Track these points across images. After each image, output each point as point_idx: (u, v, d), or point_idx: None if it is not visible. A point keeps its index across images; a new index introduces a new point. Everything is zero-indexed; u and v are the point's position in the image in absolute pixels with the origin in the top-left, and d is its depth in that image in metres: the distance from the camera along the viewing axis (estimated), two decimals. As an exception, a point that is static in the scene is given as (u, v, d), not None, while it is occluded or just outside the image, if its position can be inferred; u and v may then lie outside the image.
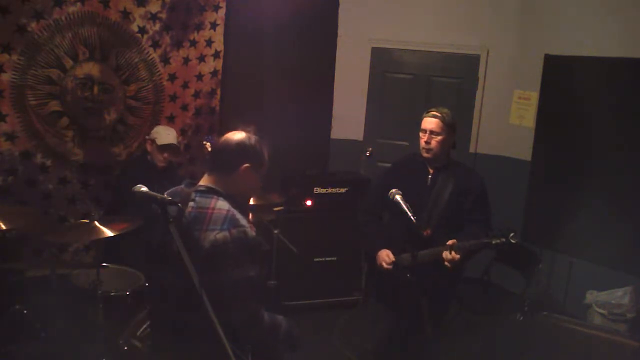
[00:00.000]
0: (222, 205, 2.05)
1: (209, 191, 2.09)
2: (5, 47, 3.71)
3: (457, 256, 2.84)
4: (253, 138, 2.18)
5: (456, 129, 3.16)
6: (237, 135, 2.17)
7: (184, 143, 4.54)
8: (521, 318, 3.78)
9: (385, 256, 3.09)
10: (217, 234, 1.98)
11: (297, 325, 2.36)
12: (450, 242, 2.86)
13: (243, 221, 2.03)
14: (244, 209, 2.15)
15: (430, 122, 3.05)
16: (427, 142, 3.05)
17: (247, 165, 2.12)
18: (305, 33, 5.01)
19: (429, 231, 2.98)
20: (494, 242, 2.80)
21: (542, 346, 3.28)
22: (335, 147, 5.45)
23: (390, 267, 3.06)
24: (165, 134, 3.87)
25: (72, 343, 3.06)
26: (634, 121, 3.75)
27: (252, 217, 2.77)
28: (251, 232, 2.04)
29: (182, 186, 2.17)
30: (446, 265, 2.88)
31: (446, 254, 2.86)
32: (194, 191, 2.10)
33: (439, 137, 3.03)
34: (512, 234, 2.77)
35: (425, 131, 3.06)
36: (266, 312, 2.14)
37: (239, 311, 2.02)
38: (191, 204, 2.06)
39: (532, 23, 4.80)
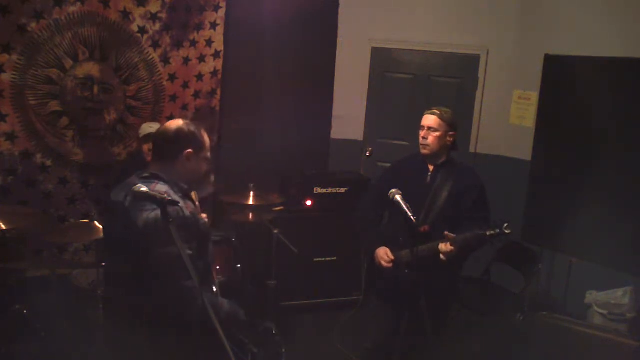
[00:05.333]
0: (161, 188, 2.13)
1: (151, 177, 2.19)
2: (5, 47, 3.71)
3: (452, 248, 2.86)
4: (190, 124, 2.27)
5: (457, 128, 3.19)
6: (175, 124, 2.26)
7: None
8: (521, 318, 3.78)
9: (384, 254, 3.11)
10: (149, 214, 2.05)
11: (243, 311, 2.40)
12: (446, 235, 2.89)
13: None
14: (188, 194, 2.27)
15: (428, 119, 3.14)
16: (424, 138, 3.12)
17: (189, 151, 2.22)
18: (305, 33, 5.01)
19: (426, 227, 3.00)
20: (488, 233, 2.81)
21: (542, 346, 3.28)
22: (335, 147, 5.45)
23: (390, 265, 3.08)
24: (146, 127, 3.90)
25: (72, 343, 3.06)
26: (634, 121, 3.75)
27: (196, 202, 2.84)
28: (186, 211, 2.11)
29: (134, 176, 2.25)
30: (441, 258, 2.90)
31: (441, 246, 2.89)
32: (138, 178, 2.19)
33: (437, 134, 3.10)
34: (505, 225, 2.78)
35: (423, 127, 3.14)
36: (208, 294, 2.16)
37: (170, 289, 2.06)
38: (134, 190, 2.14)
39: (532, 23, 4.80)
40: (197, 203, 2.78)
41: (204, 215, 2.85)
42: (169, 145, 2.23)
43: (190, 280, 2.07)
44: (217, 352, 1.91)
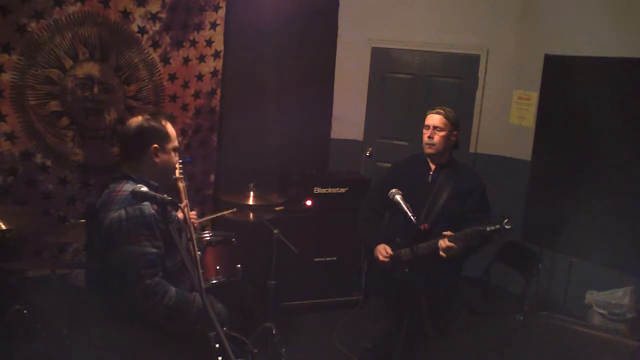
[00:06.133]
0: (128, 187, 2.15)
1: (121, 177, 2.22)
2: (5, 47, 3.71)
3: (451, 244, 2.86)
4: (151, 119, 2.26)
5: (459, 127, 3.20)
6: (135, 122, 2.26)
7: (184, 143, 4.54)
8: (521, 318, 3.78)
9: (383, 249, 3.11)
10: (113, 213, 2.09)
11: (219, 303, 2.44)
12: (445, 233, 2.89)
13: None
14: (159, 191, 2.25)
15: (433, 118, 3.14)
16: (430, 137, 3.12)
17: (154, 146, 2.23)
18: (305, 33, 5.01)
19: (426, 225, 3.00)
20: (488, 229, 2.80)
21: (542, 346, 3.27)
22: (335, 147, 5.46)
23: (387, 259, 3.08)
24: None
25: (72, 343, 3.06)
26: (634, 121, 3.75)
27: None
28: (149, 209, 2.11)
29: (108, 178, 2.28)
30: (442, 255, 2.89)
31: (441, 243, 2.89)
32: (111, 180, 2.23)
33: (442, 133, 3.11)
34: (506, 220, 2.77)
35: (428, 127, 3.14)
36: (178, 289, 2.18)
37: (134, 286, 2.09)
38: (105, 191, 2.19)
39: (532, 23, 4.80)
40: (184, 194, 2.79)
41: (192, 213, 2.86)
42: (133, 144, 2.25)
43: (154, 278, 2.10)
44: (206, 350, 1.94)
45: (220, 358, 2.21)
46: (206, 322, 2.25)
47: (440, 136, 3.11)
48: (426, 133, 3.14)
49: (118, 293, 2.09)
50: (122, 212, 2.09)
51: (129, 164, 2.25)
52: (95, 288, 2.25)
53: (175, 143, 2.33)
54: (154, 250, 2.11)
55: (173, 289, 2.16)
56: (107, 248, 2.10)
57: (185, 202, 2.80)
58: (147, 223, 2.10)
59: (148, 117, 2.27)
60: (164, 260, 2.16)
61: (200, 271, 2.70)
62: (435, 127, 3.12)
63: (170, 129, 2.31)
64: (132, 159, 2.25)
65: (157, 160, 2.25)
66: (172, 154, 2.31)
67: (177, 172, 2.76)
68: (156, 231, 2.13)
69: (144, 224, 2.09)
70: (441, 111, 3.14)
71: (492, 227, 2.80)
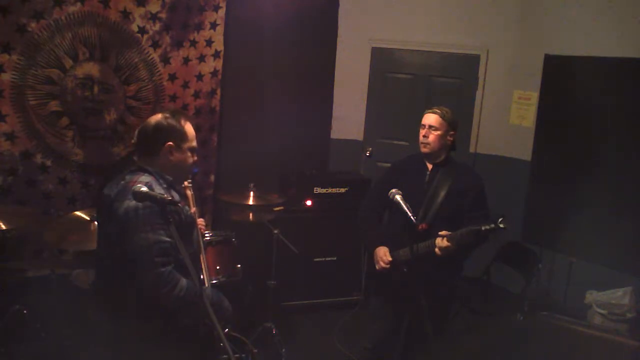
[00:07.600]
0: (144, 179, 2.19)
1: (137, 169, 2.26)
2: (5, 47, 3.71)
3: (448, 243, 2.86)
4: (170, 117, 2.30)
5: (457, 128, 3.20)
6: (154, 118, 2.31)
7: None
8: (521, 318, 3.78)
9: (383, 255, 3.11)
10: (129, 202, 2.12)
11: (226, 300, 2.44)
12: (442, 232, 2.90)
13: (159, 190, 2.18)
14: (173, 185, 2.31)
15: (429, 117, 3.15)
16: (425, 136, 3.13)
17: (169, 143, 2.26)
18: (305, 33, 5.01)
19: (424, 225, 3.00)
20: (483, 228, 2.80)
21: (542, 346, 3.28)
22: (335, 147, 5.46)
23: (387, 266, 3.08)
24: None
25: (72, 343, 3.07)
26: (634, 121, 3.75)
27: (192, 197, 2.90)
28: (165, 200, 2.14)
29: (125, 171, 2.32)
30: (437, 252, 2.90)
31: (438, 242, 2.89)
32: (127, 172, 2.27)
33: (437, 132, 3.11)
34: (500, 219, 2.77)
35: (424, 126, 3.16)
36: (189, 281, 2.19)
37: (147, 272, 2.11)
38: (122, 182, 2.22)
39: (532, 23, 4.80)
40: (192, 202, 2.81)
41: (200, 221, 2.88)
42: (149, 140, 2.28)
43: (167, 267, 2.12)
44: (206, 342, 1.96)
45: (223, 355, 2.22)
46: (218, 317, 2.29)
47: (435, 135, 3.12)
48: (422, 132, 3.16)
49: (130, 282, 2.11)
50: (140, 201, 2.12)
51: (145, 158, 2.29)
52: (106, 279, 2.27)
53: (194, 143, 2.35)
54: (168, 239, 2.13)
55: (184, 280, 2.18)
56: (121, 236, 2.12)
57: (194, 209, 2.81)
58: (163, 212, 2.12)
59: (167, 115, 2.31)
60: (176, 251, 2.17)
61: (205, 273, 2.71)
62: (430, 127, 3.13)
63: (189, 128, 2.33)
64: (146, 155, 2.29)
65: (171, 157, 2.29)
66: (189, 153, 2.33)
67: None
68: (171, 222, 2.14)
69: (159, 214, 2.11)
70: (437, 111, 3.15)
71: (487, 227, 2.80)
